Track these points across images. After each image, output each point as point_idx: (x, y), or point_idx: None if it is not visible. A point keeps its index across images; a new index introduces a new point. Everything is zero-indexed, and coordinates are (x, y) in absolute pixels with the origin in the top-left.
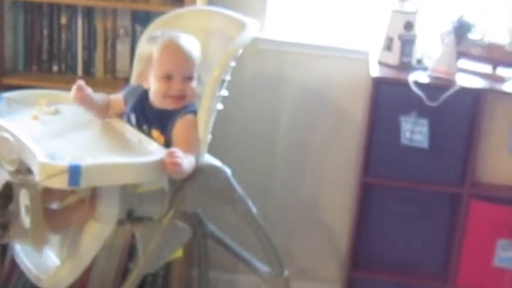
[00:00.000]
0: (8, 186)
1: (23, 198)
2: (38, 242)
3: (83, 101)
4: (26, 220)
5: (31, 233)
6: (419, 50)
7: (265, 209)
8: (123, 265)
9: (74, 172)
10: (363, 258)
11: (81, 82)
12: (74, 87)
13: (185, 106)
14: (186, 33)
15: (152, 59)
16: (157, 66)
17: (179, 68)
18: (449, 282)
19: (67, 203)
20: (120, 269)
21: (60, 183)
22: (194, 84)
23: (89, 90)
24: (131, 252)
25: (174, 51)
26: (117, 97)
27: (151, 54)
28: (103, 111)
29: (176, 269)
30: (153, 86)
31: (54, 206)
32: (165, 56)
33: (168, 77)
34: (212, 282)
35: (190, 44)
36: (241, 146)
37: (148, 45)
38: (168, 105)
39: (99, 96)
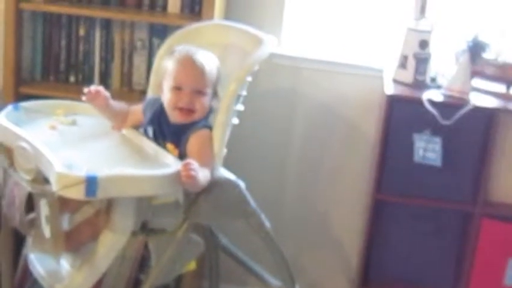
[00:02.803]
0: (30, 197)
1: (43, 208)
2: (58, 251)
3: (96, 101)
4: (46, 230)
5: (51, 242)
6: (434, 69)
7: (277, 223)
8: (134, 276)
9: (91, 183)
10: (374, 274)
11: (101, 87)
12: (92, 88)
13: (198, 121)
14: (204, 48)
15: (168, 71)
16: (170, 77)
17: (190, 80)
18: None
19: (83, 215)
20: (131, 280)
21: (77, 193)
22: (205, 100)
23: (107, 94)
24: (142, 263)
25: (187, 64)
26: (137, 108)
27: (167, 66)
28: (120, 119)
29: (187, 281)
30: (166, 98)
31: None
32: (178, 67)
33: (178, 88)
34: None
35: (206, 60)
36: (255, 160)
37: (167, 58)
38: (176, 117)
39: (117, 104)
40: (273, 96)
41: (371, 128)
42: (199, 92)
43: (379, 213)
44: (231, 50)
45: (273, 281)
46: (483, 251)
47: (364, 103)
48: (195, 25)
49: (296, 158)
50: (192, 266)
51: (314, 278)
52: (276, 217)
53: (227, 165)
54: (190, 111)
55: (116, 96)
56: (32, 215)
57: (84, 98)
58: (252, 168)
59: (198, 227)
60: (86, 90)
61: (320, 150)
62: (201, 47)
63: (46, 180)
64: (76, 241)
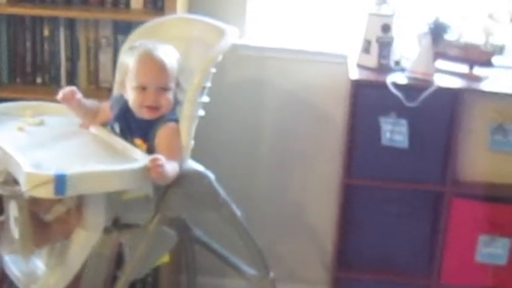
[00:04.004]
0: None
1: (13, 210)
2: (27, 252)
3: (72, 102)
4: (15, 231)
5: (20, 243)
6: (397, 52)
7: (250, 213)
8: (112, 273)
9: (60, 181)
10: (348, 258)
11: (75, 88)
12: (68, 88)
13: (164, 115)
14: (165, 43)
15: (129, 70)
16: (133, 77)
17: (153, 79)
18: (433, 279)
19: (54, 215)
20: (109, 277)
21: (46, 192)
22: (169, 94)
23: (85, 101)
24: (119, 260)
25: (149, 63)
26: (106, 105)
27: (129, 64)
28: (90, 117)
29: (164, 275)
30: (130, 97)
31: (44, 217)
32: (139, 67)
33: (142, 88)
34: (200, 287)
35: (166, 55)
36: (225, 151)
37: (127, 55)
38: (143, 115)
39: (89, 102)
40: (240, 87)
41: (339, 113)
42: (163, 89)
43: (351, 198)
44: (194, 43)
45: (248, 270)
46: (455, 230)
47: (331, 89)
48: (157, 20)
49: (266, 147)
50: (166, 258)
51: (290, 266)
52: (249, 207)
53: (196, 157)
54: (156, 108)
55: (84, 94)
56: (1, 217)
57: (59, 99)
58: (222, 159)
59: (172, 220)
60: (60, 92)
61: (289, 138)
62: (163, 41)
63: (16, 182)
64: (48, 240)
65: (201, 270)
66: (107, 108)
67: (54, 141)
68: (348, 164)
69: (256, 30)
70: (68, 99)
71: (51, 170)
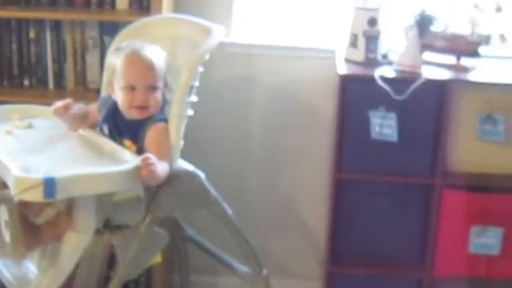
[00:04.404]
0: None
1: (3, 214)
2: (18, 256)
3: (64, 116)
4: (6, 235)
5: (11, 247)
6: (384, 45)
7: (242, 210)
8: (105, 274)
9: (49, 184)
10: (341, 253)
11: (69, 101)
12: (62, 103)
13: (152, 115)
14: (152, 43)
15: (116, 70)
16: (121, 78)
17: (141, 78)
18: (426, 272)
19: (45, 218)
20: (102, 278)
21: (36, 196)
22: (158, 94)
23: (75, 108)
24: (112, 261)
25: (136, 62)
26: (94, 107)
27: (116, 65)
28: (79, 122)
29: (157, 274)
30: (119, 97)
31: (35, 220)
32: (127, 67)
33: (131, 88)
34: (194, 286)
35: (153, 54)
36: (215, 150)
37: (114, 56)
38: (133, 115)
39: (78, 108)
40: (228, 85)
41: (328, 109)
42: (152, 88)
43: (342, 193)
44: (181, 42)
45: (241, 267)
46: (446, 222)
47: (319, 85)
48: (143, 20)
49: (256, 144)
50: (158, 259)
51: (283, 262)
52: (240, 204)
53: (187, 156)
54: (145, 107)
55: (71, 96)
56: None
57: (54, 114)
58: (212, 158)
59: (163, 220)
60: (54, 107)
61: (279, 134)
62: (150, 41)
63: (5, 186)
64: (39, 243)
65: (194, 269)
66: (95, 110)
67: (42, 144)
68: (338, 159)
69: (243, 27)
70: (61, 114)
71: (40, 173)
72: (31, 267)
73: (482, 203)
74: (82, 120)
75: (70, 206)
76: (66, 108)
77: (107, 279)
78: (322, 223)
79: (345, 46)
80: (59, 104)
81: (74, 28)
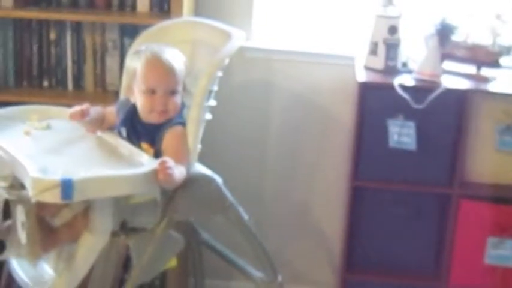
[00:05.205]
0: (7, 203)
1: (19, 214)
2: (34, 257)
3: (80, 121)
4: (22, 236)
5: (27, 248)
6: (404, 54)
7: (257, 216)
8: (119, 277)
9: (66, 186)
10: (356, 260)
11: (86, 107)
12: (78, 109)
13: (171, 119)
14: (171, 46)
15: (136, 74)
16: (141, 81)
17: (162, 82)
18: (441, 282)
19: (62, 219)
20: (117, 281)
21: (53, 197)
22: (178, 98)
23: (91, 114)
24: (127, 263)
25: (157, 66)
26: (111, 109)
27: (136, 69)
28: (96, 126)
29: (172, 278)
30: (138, 101)
31: (51, 222)
32: (148, 71)
33: (151, 92)
34: None
35: (173, 58)
36: (233, 154)
37: (133, 59)
38: (152, 119)
39: (95, 111)
40: (247, 90)
41: (346, 116)
42: (172, 92)
43: (359, 200)
44: (201, 46)
45: (256, 273)
46: (462, 232)
47: (338, 92)
48: (163, 23)
49: (274, 150)
50: (173, 263)
51: (298, 269)
52: (257, 210)
53: (204, 160)
54: (165, 111)
55: (90, 98)
56: (8, 222)
57: (70, 119)
58: (229, 162)
59: (179, 224)
60: (70, 112)
61: (297, 141)
62: (169, 45)
63: (23, 187)
64: (55, 245)
65: (209, 273)
66: (113, 112)
67: (60, 145)
68: (356, 166)
69: (263, 32)
70: (77, 119)
71: (57, 174)
72: (47, 268)
73: (500, 214)
74: (99, 123)
75: (87, 208)
76: (83, 114)
77: (121, 281)
78: (338, 230)
79: (365, 53)
80: (76, 109)
81: (94, 30)
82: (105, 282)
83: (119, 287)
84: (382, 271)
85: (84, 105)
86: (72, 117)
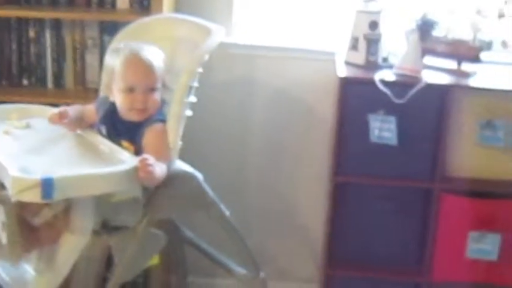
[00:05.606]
0: None
1: (0, 215)
2: (15, 257)
3: (59, 124)
4: (3, 236)
5: (8, 248)
6: (385, 49)
7: (240, 212)
8: (102, 276)
9: (47, 185)
10: (339, 256)
11: (63, 109)
12: (57, 112)
13: (151, 116)
14: (151, 43)
15: (115, 72)
16: (120, 80)
17: (141, 80)
18: (424, 276)
19: (42, 219)
20: (100, 280)
21: (34, 196)
22: (157, 95)
23: (70, 115)
24: (110, 262)
25: (135, 64)
26: (91, 108)
27: (114, 67)
28: (76, 124)
29: (155, 276)
30: (118, 99)
31: (32, 221)
32: (126, 68)
33: (130, 90)
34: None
35: (152, 55)
36: (215, 151)
37: (112, 57)
38: (132, 117)
39: (73, 112)
40: (228, 86)
41: (328, 111)
42: (151, 89)
43: (341, 196)
44: (181, 43)
45: (239, 270)
46: (444, 226)
47: (319, 87)
48: (143, 20)
49: (255, 145)
50: (155, 260)
51: (281, 264)
52: (239, 206)
53: (186, 157)
54: (144, 109)
55: (70, 96)
56: None
57: (49, 122)
58: (212, 159)
59: (161, 222)
60: (49, 116)
61: (279, 136)
62: (149, 42)
63: (3, 187)
64: (36, 245)
65: (192, 271)
66: (92, 110)
67: (40, 144)
68: (337, 162)
69: (244, 28)
70: (56, 122)
71: (38, 173)
72: (28, 268)
73: (481, 208)
74: (79, 121)
75: (68, 207)
76: (62, 116)
77: (104, 280)
78: (321, 226)
79: (346, 49)
80: (54, 112)
81: (74, 28)
82: (88, 282)
83: (101, 286)
84: (365, 266)
85: (62, 108)
86: (52, 120)
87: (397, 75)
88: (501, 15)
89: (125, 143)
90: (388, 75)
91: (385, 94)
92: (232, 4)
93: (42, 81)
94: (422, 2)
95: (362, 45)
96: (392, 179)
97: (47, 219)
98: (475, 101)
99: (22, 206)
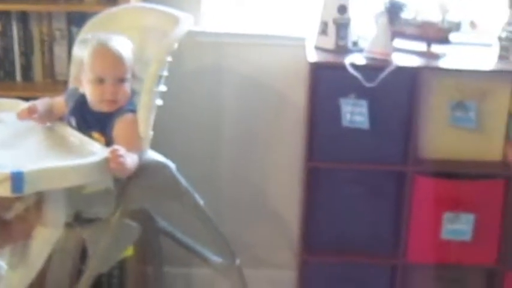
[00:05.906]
0: None
1: None
2: None
3: (29, 119)
4: None
5: None
6: (355, 33)
7: (213, 201)
8: (77, 268)
9: (17, 178)
10: (315, 242)
11: (33, 105)
12: (25, 108)
13: (121, 107)
14: (119, 33)
15: (84, 63)
16: (89, 71)
17: (110, 70)
18: (400, 259)
19: (14, 213)
20: (75, 273)
21: (4, 190)
22: (127, 86)
23: (39, 109)
24: (84, 255)
25: (104, 55)
26: (60, 100)
27: (83, 58)
28: (45, 118)
29: (130, 267)
30: (87, 90)
31: (4, 216)
32: (95, 59)
33: (100, 81)
34: (168, 278)
35: (121, 46)
36: (186, 140)
37: (80, 48)
38: (102, 108)
39: (41, 106)
40: (199, 74)
41: (299, 97)
42: (121, 80)
43: (315, 181)
44: (149, 32)
45: (214, 258)
46: (419, 209)
47: (290, 73)
48: (110, 10)
49: (227, 133)
50: (129, 251)
51: (256, 252)
52: (213, 195)
53: (157, 147)
54: (114, 100)
55: (39, 88)
56: None
57: (18, 118)
58: (183, 148)
59: (134, 212)
60: (18, 112)
61: (250, 123)
62: (117, 32)
63: None
64: (9, 240)
65: (167, 261)
66: (61, 102)
67: (10, 138)
68: (310, 147)
69: (212, 16)
70: (25, 118)
71: (7, 167)
72: (1, 264)
73: (454, 189)
74: (48, 115)
75: (39, 201)
76: (30, 111)
77: (79, 273)
78: (295, 212)
79: (315, 34)
80: (23, 108)
81: (41, 20)
82: (62, 275)
83: (77, 278)
84: (341, 251)
85: (31, 104)
86: (20, 116)
87: (367, 58)
88: None
89: (96, 135)
90: (359, 59)
91: (355, 78)
92: None
93: (11, 74)
94: None
95: (331, 29)
96: (365, 163)
97: (18, 213)
98: (445, 82)
99: None
